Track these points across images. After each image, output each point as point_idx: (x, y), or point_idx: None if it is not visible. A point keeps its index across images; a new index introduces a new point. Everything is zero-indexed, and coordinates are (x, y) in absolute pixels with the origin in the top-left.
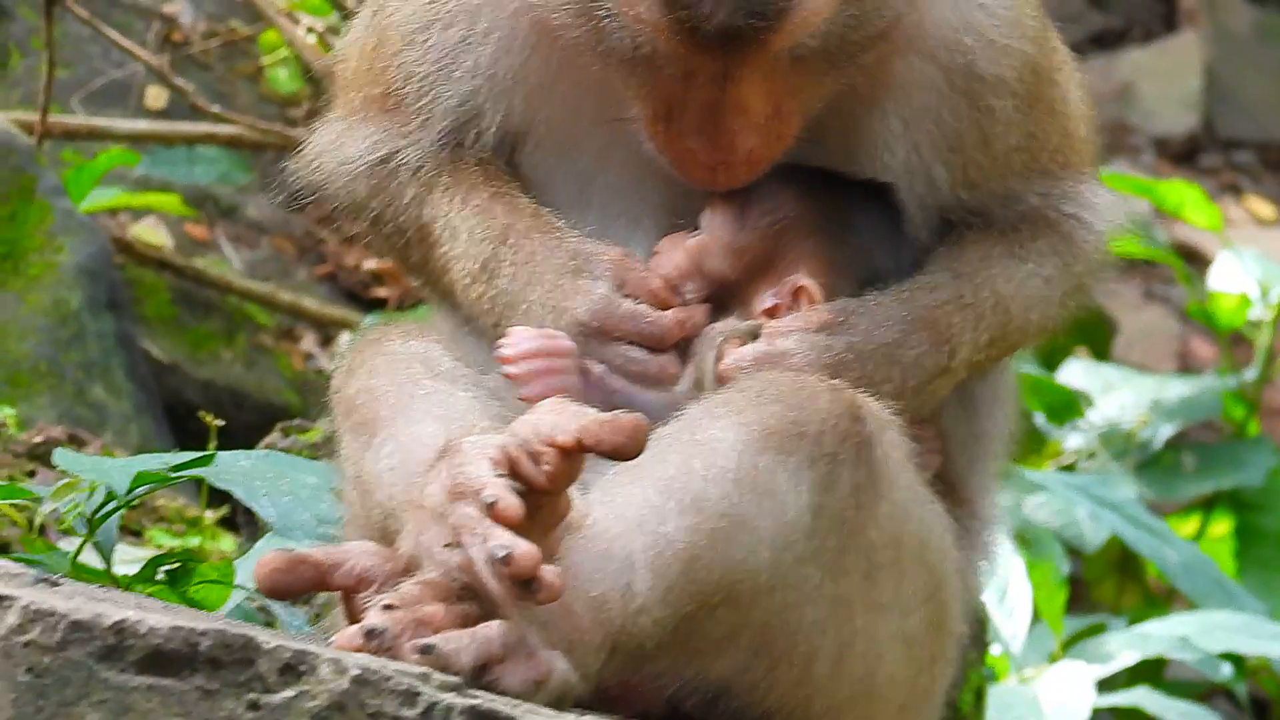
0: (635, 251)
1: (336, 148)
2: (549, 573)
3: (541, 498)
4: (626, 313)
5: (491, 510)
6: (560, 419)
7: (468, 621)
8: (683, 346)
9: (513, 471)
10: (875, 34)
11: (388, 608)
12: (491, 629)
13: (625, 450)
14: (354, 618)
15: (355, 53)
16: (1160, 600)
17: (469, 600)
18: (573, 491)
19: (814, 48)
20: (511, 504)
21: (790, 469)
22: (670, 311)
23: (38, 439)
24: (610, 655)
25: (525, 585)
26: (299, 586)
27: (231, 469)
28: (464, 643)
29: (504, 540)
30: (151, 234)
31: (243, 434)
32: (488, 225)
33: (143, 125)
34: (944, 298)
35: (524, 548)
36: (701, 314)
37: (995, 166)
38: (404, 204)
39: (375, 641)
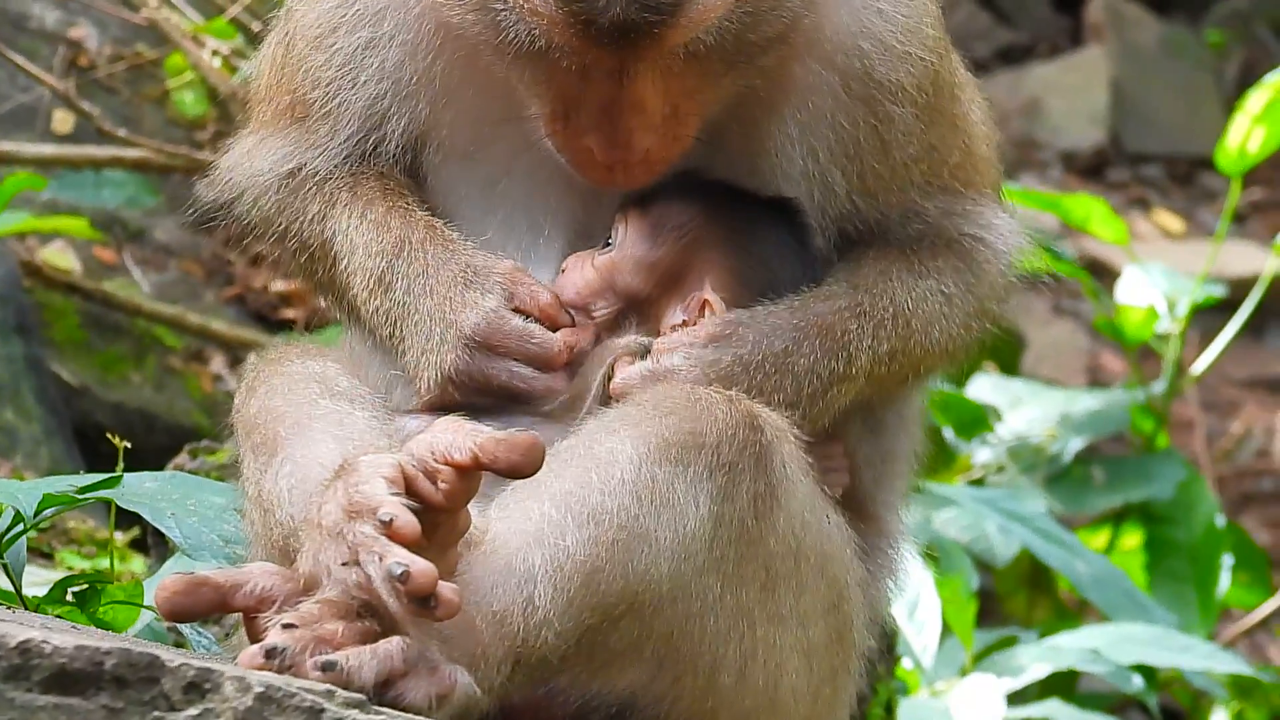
0: (536, 259)
1: (248, 162)
2: (447, 589)
3: (439, 516)
4: (513, 330)
5: (388, 528)
6: (456, 437)
7: (367, 638)
8: (576, 364)
9: (409, 489)
10: (772, 35)
11: (288, 626)
12: (392, 644)
13: (522, 468)
14: (255, 638)
15: (266, 66)
16: (1071, 613)
17: (369, 618)
18: (471, 508)
19: (710, 45)
20: (408, 522)
21: (689, 479)
22: (559, 333)
23: None
24: (514, 669)
25: (423, 602)
26: (199, 609)
27: (138, 490)
28: (366, 659)
29: (401, 558)
30: (60, 258)
31: (153, 456)
32: (383, 239)
33: (49, 149)
34: (840, 306)
35: (421, 565)
36: (589, 336)
37: (894, 176)
38: (308, 220)
39: (276, 660)
